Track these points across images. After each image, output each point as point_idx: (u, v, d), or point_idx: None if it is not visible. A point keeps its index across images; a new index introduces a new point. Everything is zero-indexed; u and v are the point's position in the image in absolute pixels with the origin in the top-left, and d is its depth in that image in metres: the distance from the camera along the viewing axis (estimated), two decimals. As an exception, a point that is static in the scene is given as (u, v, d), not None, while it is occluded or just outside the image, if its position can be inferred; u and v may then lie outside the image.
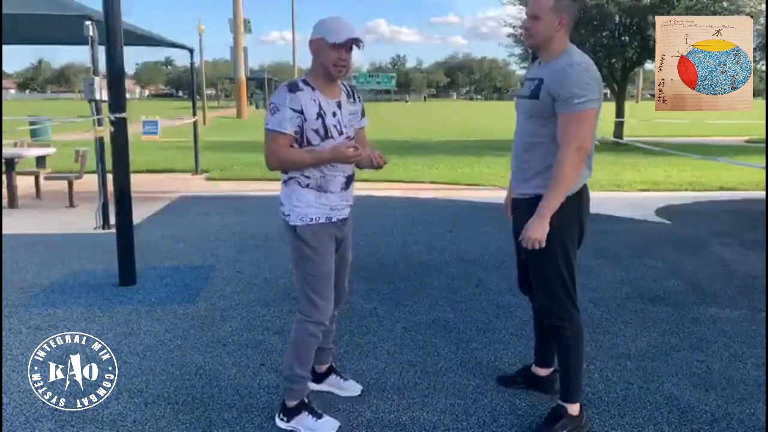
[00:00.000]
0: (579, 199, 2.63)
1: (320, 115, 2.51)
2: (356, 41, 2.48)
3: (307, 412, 2.70)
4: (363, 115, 2.77)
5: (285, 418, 2.71)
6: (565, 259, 2.61)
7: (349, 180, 2.68)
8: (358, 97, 2.73)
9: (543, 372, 3.08)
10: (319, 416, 2.71)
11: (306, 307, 2.65)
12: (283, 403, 2.73)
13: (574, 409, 2.72)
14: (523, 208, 2.65)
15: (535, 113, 2.57)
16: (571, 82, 2.42)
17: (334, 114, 2.56)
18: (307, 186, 2.57)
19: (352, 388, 3.05)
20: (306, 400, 2.73)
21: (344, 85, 2.68)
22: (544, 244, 2.50)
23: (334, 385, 3.05)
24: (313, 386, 3.01)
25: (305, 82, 2.53)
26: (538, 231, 2.48)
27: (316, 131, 2.52)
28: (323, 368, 3.06)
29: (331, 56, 2.47)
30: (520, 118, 2.71)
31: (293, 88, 2.49)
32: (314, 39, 2.51)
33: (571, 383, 2.73)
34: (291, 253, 2.67)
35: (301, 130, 2.50)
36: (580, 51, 2.56)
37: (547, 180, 2.52)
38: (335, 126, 2.56)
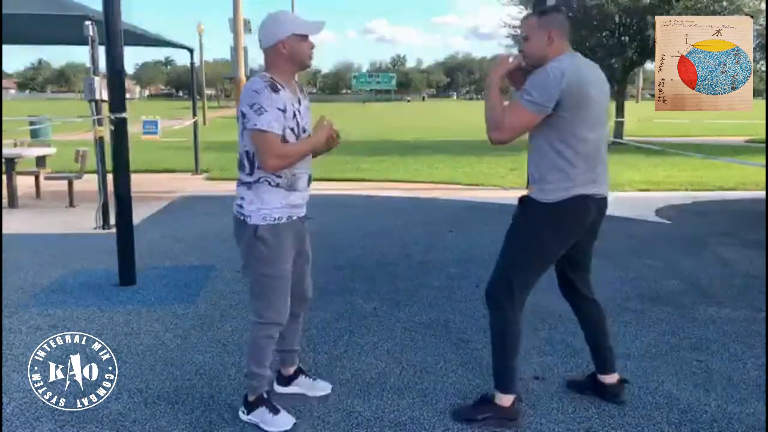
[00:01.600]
0: (567, 209, 2.59)
1: (294, 114, 2.53)
2: (319, 26, 2.56)
3: (265, 407, 2.73)
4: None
5: (245, 411, 2.77)
6: (526, 261, 2.68)
7: (310, 178, 2.73)
8: (305, 95, 2.73)
9: (609, 379, 2.96)
10: (276, 411, 2.73)
11: (261, 309, 2.65)
12: (245, 397, 2.79)
13: (503, 399, 2.73)
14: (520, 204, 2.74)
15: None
16: (531, 80, 2.53)
17: (300, 112, 2.57)
18: (278, 185, 2.55)
19: (322, 388, 3.04)
20: (265, 396, 2.76)
21: (296, 82, 2.67)
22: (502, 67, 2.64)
23: (303, 386, 3.03)
24: (281, 390, 3.03)
25: (275, 81, 2.49)
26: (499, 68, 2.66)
27: (293, 129, 2.54)
28: (290, 370, 3.04)
29: (305, 48, 2.52)
30: None
31: (274, 87, 2.46)
32: (284, 38, 2.47)
33: (495, 370, 2.77)
34: (245, 254, 2.62)
35: (283, 129, 2.50)
36: (565, 59, 2.52)
37: (542, 186, 2.60)
38: (301, 124, 2.58)
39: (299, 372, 3.06)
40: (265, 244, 2.54)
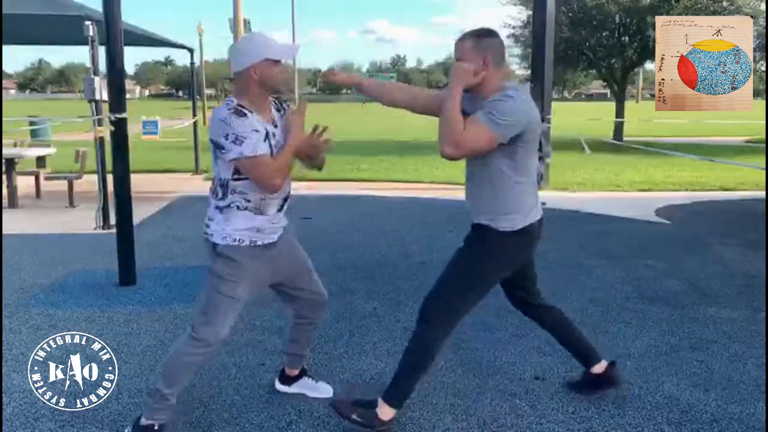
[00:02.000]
0: (522, 236, 2.59)
1: (267, 137, 2.44)
2: (293, 50, 2.54)
3: None
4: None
5: None
6: (469, 286, 2.64)
7: (285, 201, 2.61)
8: (287, 105, 2.64)
9: (598, 369, 3.00)
10: None
11: (199, 325, 2.51)
12: (138, 418, 2.59)
13: (385, 411, 2.66)
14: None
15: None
16: (496, 105, 2.38)
17: (274, 135, 2.48)
18: (246, 209, 2.49)
19: (324, 391, 3.03)
20: (156, 427, 2.54)
21: (273, 100, 2.58)
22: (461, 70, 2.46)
23: (305, 387, 3.03)
24: (283, 389, 3.03)
25: (241, 107, 2.39)
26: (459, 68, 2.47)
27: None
28: (295, 372, 3.04)
29: (276, 73, 2.43)
30: None
31: (241, 113, 2.37)
32: (257, 63, 2.38)
33: (395, 381, 2.69)
34: (209, 271, 2.56)
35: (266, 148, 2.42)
36: (526, 92, 2.51)
37: (499, 216, 2.55)
38: (275, 146, 2.47)
39: (303, 373, 3.06)
40: (223, 261, 2.49)
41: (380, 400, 2.69)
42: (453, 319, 2.67)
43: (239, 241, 2.49)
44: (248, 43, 2.48)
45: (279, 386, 3.05)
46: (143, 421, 2.56)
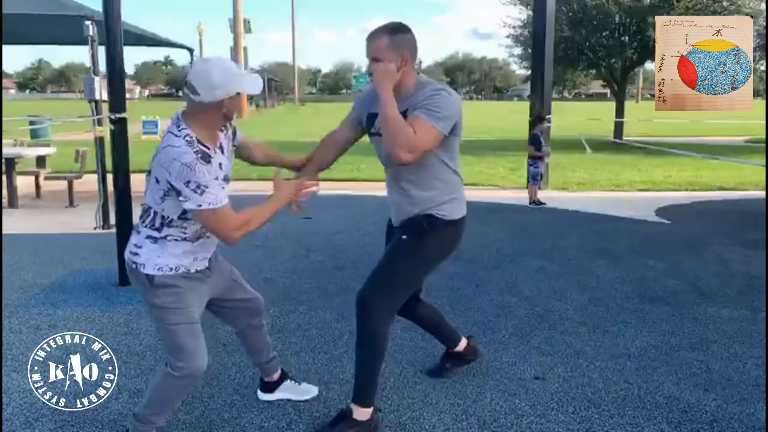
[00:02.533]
0: (458, 226, 2.67)
1: (219, 167, 2.35)
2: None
3: None
4: (235, 134, 2.53)
5: None
6: (413, 273, 2.69)
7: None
8: (231, 125, 2.49)
9: (461, 346, 3.20)
10: None
11: (175, 360, 2.38)
12: None
13: (361, 413, 2.64)
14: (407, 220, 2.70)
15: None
16: (436, 102, 2.39)
17: (221, 165, 2.36)
18: (184, 239, 2.35)
19: (308, 391, 3.00)
20: None
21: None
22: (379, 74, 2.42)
23: (290, 390, 2.98)
24: (266, 397, 2.97)
25: (202, 145, 2.24)
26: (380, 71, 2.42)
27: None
28: (274, 377, 2.96)
29: (239, 103, 2.33)
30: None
31: (206, 158, 2.23)
32: (231, 96, 2.25)
33: (357, 382, 2.67)
34: (147, 306, 2.43)
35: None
36: (434, 81, 2.55)
37: (442, 205, 2.61)
38: (224, 177, 2.38)
39: (283, 376, 2.99)
40: (163, 292, 2.34)
41: (352, 405, 2.66)
42: (395, 306, 2.67)
43: (175, 269, 2.35)
44: (222, 74, 2.22)
45: (262, 395, 2.98)
46: None
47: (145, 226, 2.36)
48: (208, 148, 2.28)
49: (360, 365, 2.66)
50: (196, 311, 2.43)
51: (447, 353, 3.25)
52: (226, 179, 2.40)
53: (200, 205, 2.19)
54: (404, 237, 2.68)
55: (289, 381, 3.00)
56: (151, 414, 2.48)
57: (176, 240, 2.35)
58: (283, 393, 2.97)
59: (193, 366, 2.38)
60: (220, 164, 2.35)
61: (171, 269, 2.35)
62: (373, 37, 2.48)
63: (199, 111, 2.26)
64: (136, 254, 2.37)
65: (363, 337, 2.62)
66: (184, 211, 2.27)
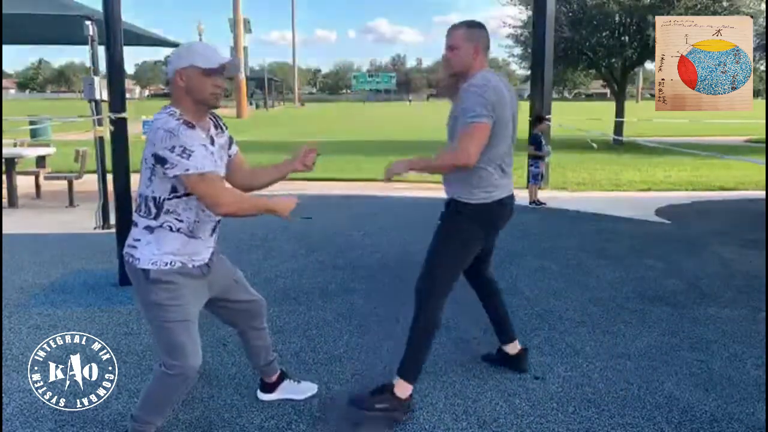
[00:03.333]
0: (488, 212, 2.86)
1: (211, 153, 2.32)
2: (232, 64, 2.28)
3: None
4: (231, 142, 2.53)
5: None
6: (452, 255, 2.87)
7: (217, 224, 2.47)
8: (225, 126, 2.50)
9: (511, 349, 3.30)
10: None
11: (168, 359, 2.35)
12: None
13: (402, 388, 2.83)
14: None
15: (451, 133, 2.86)
16: (465, 100, 2.68)
17: (212, 154, 2.31)
18: (179, 230, 2.31)
19: (308, 389, 3.01)
20: None
21: (211, 116, 2.42)
22: (397, 173, 2.87)
23: (289, 390, 2.98)
24: (266, 397, 2.97)
25: (184, 118, 2.23)
26: (396, 166, 2.88)
27: None
28: (273, 378, 2.96)
29: (206, 85, 2.24)
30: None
31: (190, 125, 2.20)
32: (181, 69, 2.22)
33: (405, 356, 2.89)
34: (141, 304, 2.39)
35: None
36: (489, 76, 2.74)
37: (462, 189, 2.85)
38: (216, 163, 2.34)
39: (282, 376, 2.99)
40: (160, 288, 2.30)
41: (396, 378, 2.84)
42: (444, 289, 2.88)
43: (171, 264, 2.31)
44: (180, 49, 2.27)
45: (262, 396, 2.97)
46: None
47: (142, 216, 2.34)
48: (194, 126, 2.23)
49: (411, 344, 2.88)
50: (192, 309, 2.39)
51: (499, 349, 3.37)
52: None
53: (187, 170, 2.16)
54: (438, 222, 2.94)
55: (288, 381, 3.00)
56: (147, 415, 2.47)
57: (172, 230, 2.31)
58: (282, 393, 2.97)
59: (187, 365, 2.35)
60: (212, 153, 2.30)
61: (166, 264, 2.30)
62: (453, 28, 2.85)
63: (171, 93, 2.29)
64: (134, 247, 2.34)
65: (417, 318, 2.87)
66: (174, 189, 2.25)
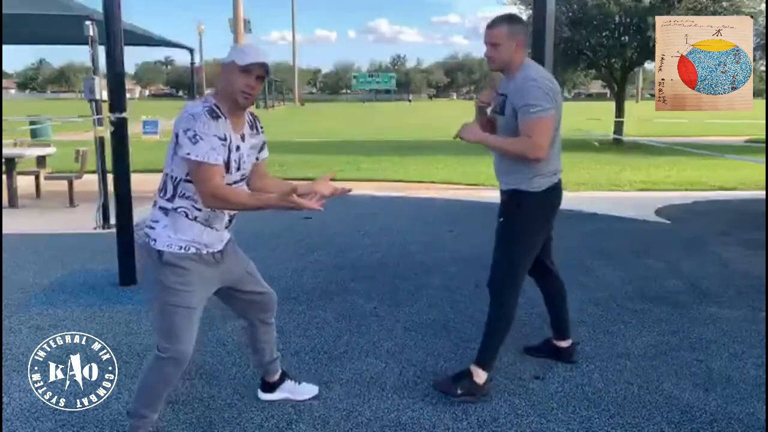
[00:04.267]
0: (550, 197, 2.99)
1: (237, 147, 2.38)
2: (263, 66, 2.32)
3: None
4: (264, 147, 2.59)
5: None
6: (525, 245, 2.99)
7: (233, 218, 2.54)
8: (261, 128, 2.57)
9: (563, 344, 3.38)
10: None
11: (162, 341, 2.42)
12: None
13: (479, 375, 2.97)
14: (502, 197, 3.07)
15: (503, 127, 2.92)
16: (526, 95, 2.74)
17: (238, 148, 2.39)
18: (195, 219, 2.38)
19: (309, 391, 3.01)
20: None
21: (248, 115, 2.50)
22: (467, 139, 2.90)
23: (289, 391, 2.98)
24: (266, 397, 2.97)
25: (219, 108, 2.33)
26: (469, 132, 2.91)
27: (229, 163, 2.37)
28: (275, 377, 2.96)
29: (239, 82, 2.30)
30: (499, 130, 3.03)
31: (214, 114, 2.28)
32: (226, 62, 2.33)
33: (483, 346, 3.04)
34: (154, 282, 2.45)
35: (222, 160, 2.31)
36: (536, 66, 2.90)
37: (518, 178, 2.92)
38: (235, 161, 2.39)
39: (284, 377, 2.99)
40: (171, 270, 2.37)
41: (473, 366, 2.99)
42: (516, 279, 3.01)
43: (185, 248, 2.38)
44: (235, 44, 2.43)
45: (262, 395, 2.98)
46: None
47: (160, 196, 2.41)
48: (224, 116, 2.32)
49: (488, 333, 3.02)
50: (198, 296, 2.44)
51: (548, 341, 3.46)
52: (238, 168, 2.40)
53: (189, 154, 2.24)
54: (500, 219, 3.03)
55: (289, 381, 3.00)
56: (141, 406, 2.51)
57: (188, 217, 2.37)
58: (283, 393, 2.97)
59: (180, 349, 2.40)
60: (238, 146, 2.39)
61: (181, 248, 2.37)
62: (493, 25, 2.86)
63: (221, 86, 2.38)
64: (152, 228, 2.41)
65: (492, 307, 3.02)
66: (189, 172, 2.31)
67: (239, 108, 2.37)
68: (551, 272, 3.35)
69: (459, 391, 2.94)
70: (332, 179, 2.62)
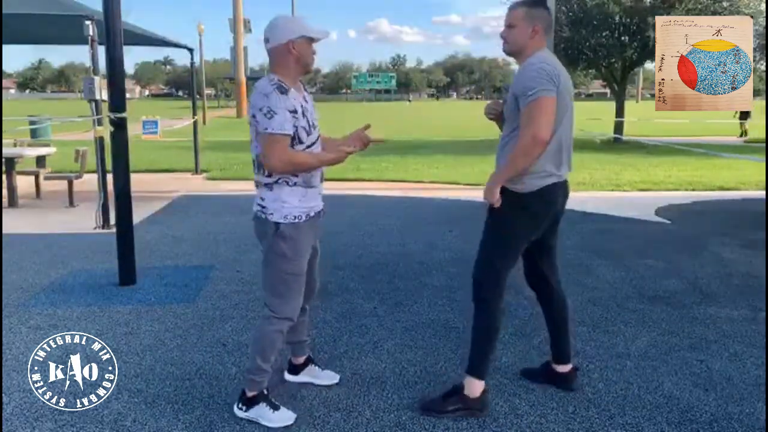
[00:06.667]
0: (537, 201, 2.73)
1: (303, 113, 2.60)
2: (325, 33, 2.64)
3: (265, 404, 2.75)
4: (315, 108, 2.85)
5: (244, 408, 2.76)
6: (503, 246, 2.82)
7: (323, 173, 2.80)
8: (309, 93, 2.83)
9: (561, 369, 3.11)
10: (276, 408, 2.75)
11: (276, 305, 2.69)
12: (243, 393, 2.78)
13: (472, 386, 2.82)
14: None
15: (507, 115, 2.76)
16: (523, 79, 2.60)
17: (306, 111, 2.64)
18: (295, 185, 2.62)
19: (330, 377, 3.13)
20: (265, 392, 2.77)
21: (300, 82, 2.74)
22: (497, 204, 2.73)
23: (311, 375, 3.12)
24: (291, 378, 3.12)
25: (282, 83, 2.55)
26: (488, 193, 2.75)
27: (305, 128, 2.61)
28: (301, 359, 3.13)
29: (311, 52, 2.62)
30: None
31: (282, 89, 2.52)
32: (294, 39, 2.54)
33: (473, 355, 2.86)
34: (266, 251, 2.67)
35: (295, 129, 2.57)
36: (544, 55, 2.68)
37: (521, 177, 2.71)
38: (309, 122, 2.65)
39: (309, 361, 3.15)
40: (286, 241, 2.61)
41: (466, 377, 2.84)
42: (500, 280, 2.83)
43: (298, 218, 2.63)
44: (287, 20, 2.60)
45: (287, 376, 3.13)
46: (250, 394, 2.75)
47: (260, 175, 2.63)
48: (289, 88, 2.54)
49: (475, 341, 2.85)
50: (306, 262, 2.72)
51: (547, 364, 3.16)
52: (314, 126, 2.68)
53: (266, 129, 2.48)
54: (488, 215, 2.88)
55: (312, 366, 3.14)
56: (261, 361, 2.71)
57: (289, 184, 2.61)
58: (306, 376, 3.12)
59: (292, 308, 2.70)
60: (307, 110, 2.62)
61: (295, 217, 2.62)
62: (513, 7, 2.74)
63: (274, 58, 2.58)
64: (263, 206, 2.64)
65: (477, 311, 2.83)
66: None
67: (300, 76, 2.66)
68: (553, 290, 3.05)
69: (449, 408, 2.80)
70: (367, 127, 2.96)
